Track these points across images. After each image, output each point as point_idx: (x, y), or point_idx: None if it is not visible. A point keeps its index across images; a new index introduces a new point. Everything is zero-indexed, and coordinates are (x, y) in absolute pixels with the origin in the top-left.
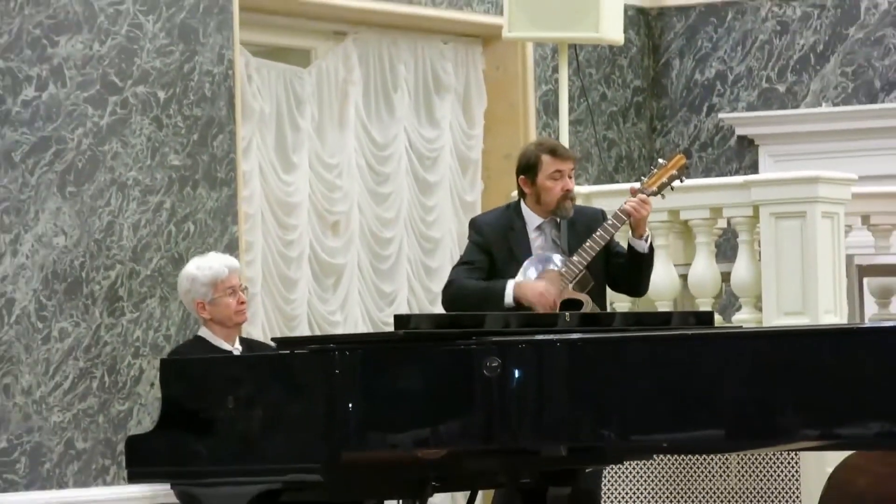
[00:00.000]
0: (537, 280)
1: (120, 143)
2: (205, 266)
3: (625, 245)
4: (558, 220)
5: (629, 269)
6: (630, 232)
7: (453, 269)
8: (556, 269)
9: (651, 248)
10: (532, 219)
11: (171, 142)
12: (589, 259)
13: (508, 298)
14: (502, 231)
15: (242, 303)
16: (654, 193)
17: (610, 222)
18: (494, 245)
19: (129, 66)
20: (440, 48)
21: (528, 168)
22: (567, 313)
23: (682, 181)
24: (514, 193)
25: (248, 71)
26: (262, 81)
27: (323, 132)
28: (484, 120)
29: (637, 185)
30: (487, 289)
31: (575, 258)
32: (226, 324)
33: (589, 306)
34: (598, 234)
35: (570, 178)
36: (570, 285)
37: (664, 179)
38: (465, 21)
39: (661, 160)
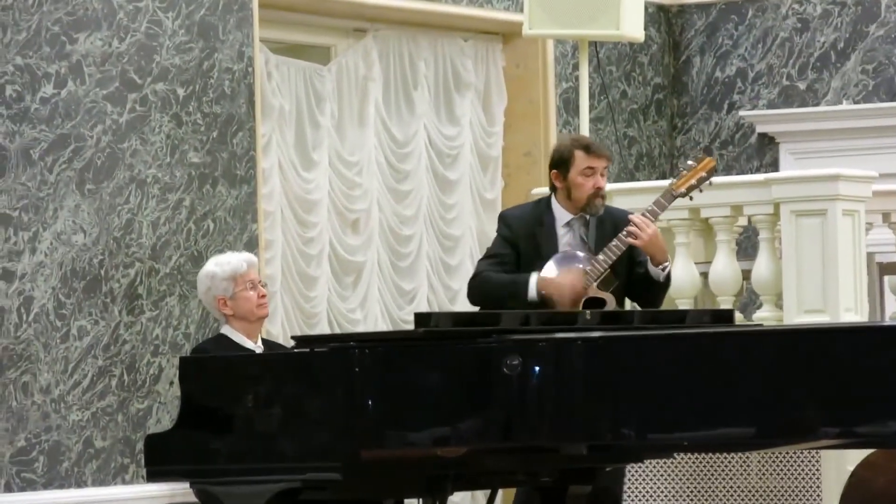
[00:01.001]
0: (563, 275)
1: (139, 140)
2: (223, 262)
3: None
4: (587, 217)
5: (644, 286)
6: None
7: (479, 261)
8: (580, 266)
9: (668, 278)
10: (562, 215)
11: (190, 139)
12: (614, 258)
13: (532, 292)
14: (531, 226)
15: (263, 296)
16: (683, 195)
17: (619, 236)
18: (521, 239)
19: (149, 64)
20: (460, 45)
21: (560, 163)
22: (588, 311)
23: (710, 184)
24: (534, 191)
25: (267, 68)
26: (282, 78)
27: (343, 129)
28: (504, 117)
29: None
30: (512, 282)
31: (600, 257)
32: (248, 318)
33: (612, 306)
34: (623, 233)
35: (602, 176)
36: (595, 284)
37: (693, 181)
38: (485, 18)
39: (690, 162)
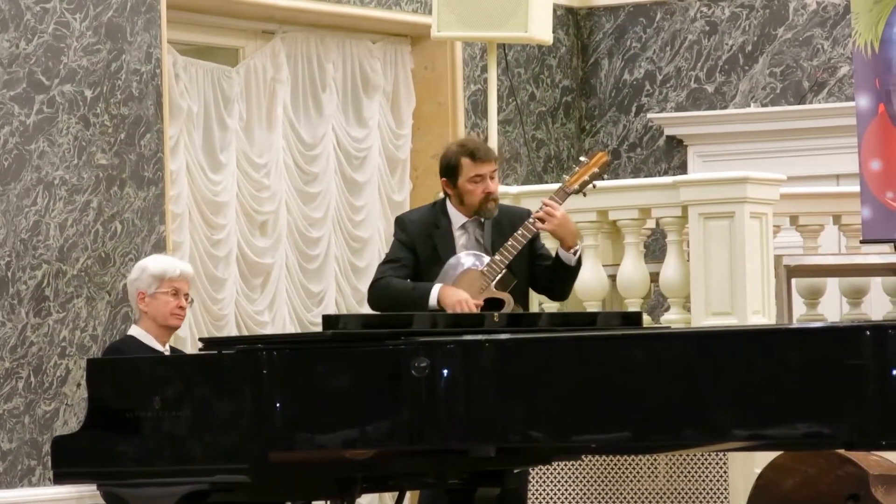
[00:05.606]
0: (459, 287)
1: (47, 142)
2: (159, 260)
3: (554, 252)
4: (482, 219)
5: (553, 276)
6: (559, 242)
7: (379, 266)
8: (476, 268)
9: (579, 262)
10: (457, 217)
11: (98, 141)
12: (510, 258)
13: (433, 301)
14: (427, 229)
15: (181, 307)
16: (576, 192)
17: (526, 224)
18: (418, 243)
19: (56, 65)
20: (369, 47)
21: (448, 171)
22: (496, 313)
23: (603, 179)
24: (442, 194)
25: (175, 70)
26: (190, 80)
27: (251, 131)
28: (412, 119)
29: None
30: (414, 290)
31: (497, 257)
32: (158, 321)
33: (510, 306)
34: (519, 233)
35: (491, 179)
36: (492, 284)
37: (586, 178)
38: (393, 20)
39: (582, 158)
